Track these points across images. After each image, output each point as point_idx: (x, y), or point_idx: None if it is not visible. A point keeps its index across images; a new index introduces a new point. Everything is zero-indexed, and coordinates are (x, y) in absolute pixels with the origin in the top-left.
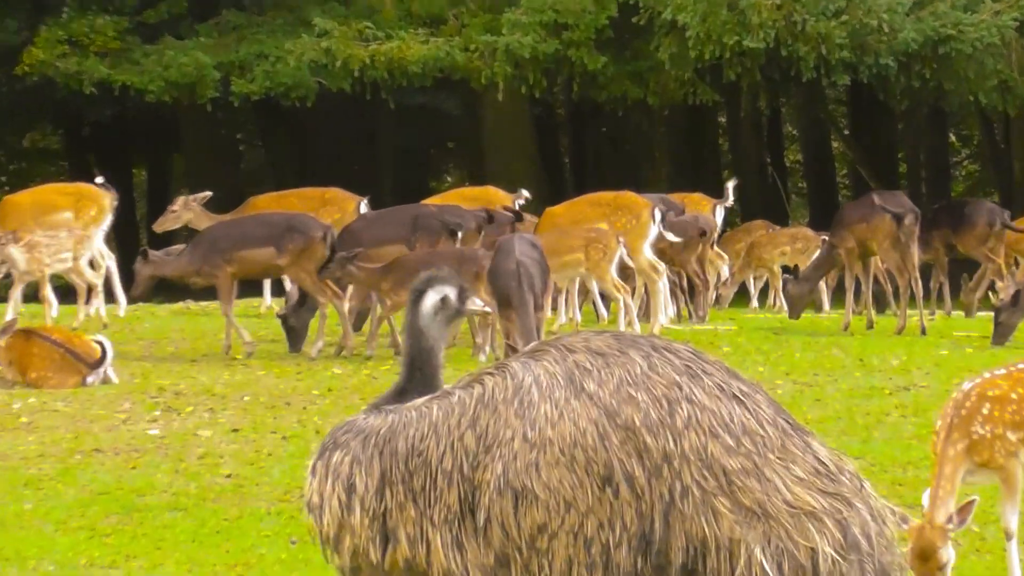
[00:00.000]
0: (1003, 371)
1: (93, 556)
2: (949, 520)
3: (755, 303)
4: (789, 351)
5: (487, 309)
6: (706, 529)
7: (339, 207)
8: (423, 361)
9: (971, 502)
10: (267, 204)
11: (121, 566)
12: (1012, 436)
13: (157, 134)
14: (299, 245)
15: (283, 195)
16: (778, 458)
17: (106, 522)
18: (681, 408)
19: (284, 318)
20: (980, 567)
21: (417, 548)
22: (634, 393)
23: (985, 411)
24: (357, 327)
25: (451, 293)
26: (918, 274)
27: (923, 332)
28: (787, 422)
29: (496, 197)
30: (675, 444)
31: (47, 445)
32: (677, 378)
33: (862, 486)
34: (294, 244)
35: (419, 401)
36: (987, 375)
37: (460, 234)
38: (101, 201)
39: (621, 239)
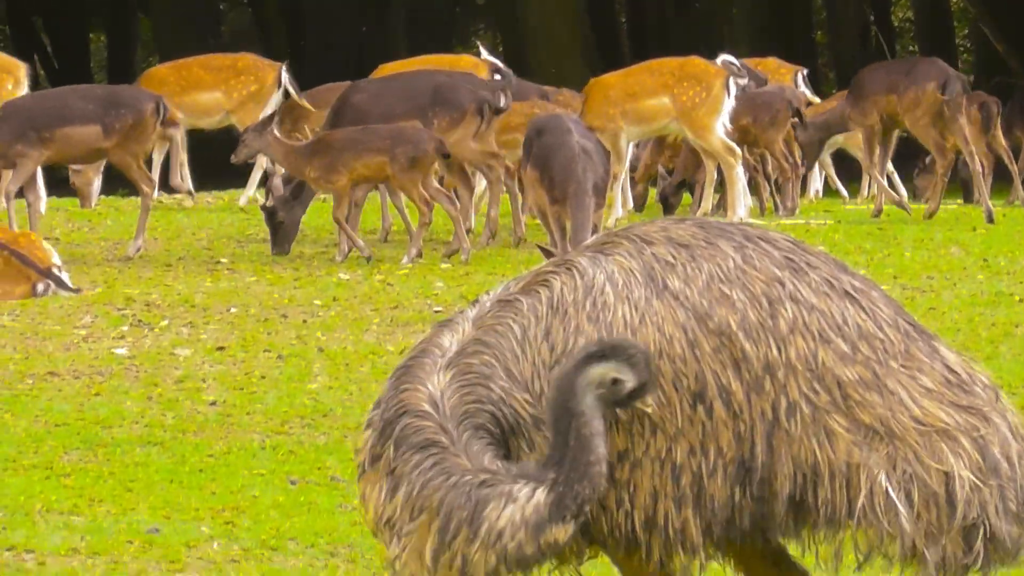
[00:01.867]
0: None
1: (50, 500)
2: None
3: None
4: (898, 250)
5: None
6: (818, 453)
7: (255, 77)
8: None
9: None
10: (165, 76)
11: (84, 512)
12: None
13: None
14: (127, 122)
15: (183, 64)
16: (902, 366)
17: (65, 459)
18: (785, 309)
19: (271, 212)
20: None
21: None
22: (728, 291)
23: None
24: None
25: (629, 381)
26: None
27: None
28: (909, 324)
29: (468, 66)
30: (779, 352)
31: None
32: (778, 273)
33: (998, 397)
34: (121, 122)
35: (487, 316)
36: None
37: (490, 109)
38: (16, 72)
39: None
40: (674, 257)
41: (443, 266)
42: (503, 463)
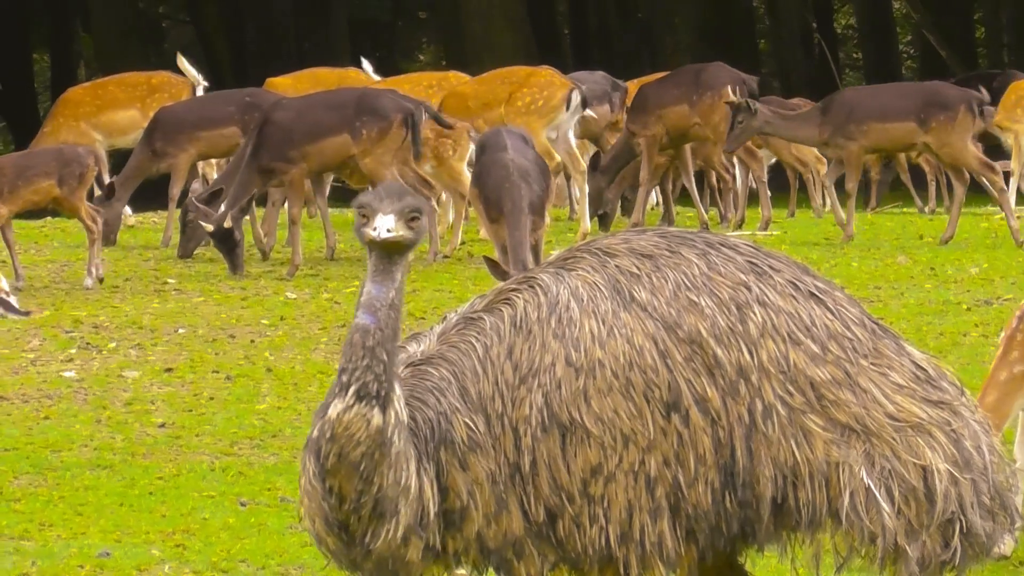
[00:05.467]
0: None
1: (0, 525)
2: None
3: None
4: (844, 260)
5: None
6: (797, 453)
7: (170, 94)
8: None
9: None
10: (80, 98)
11: (35, 536)
12: None
13: (60, 9)
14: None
15: (99, 83)
16: (872, 364)
17: (15, 484)
18: (753, 312)
19: (227, 234)
20: None
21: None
22: (695, 299)
23: None
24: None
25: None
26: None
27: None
28: (874, 323)
29: (355, 79)
30: (751, 356)
31: None
32: (743, 277)
33: (963, 393)
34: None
35: (451, 333)
36: None
37: (418, 123)
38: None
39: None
40: (638, 268)
41: None
42: None
